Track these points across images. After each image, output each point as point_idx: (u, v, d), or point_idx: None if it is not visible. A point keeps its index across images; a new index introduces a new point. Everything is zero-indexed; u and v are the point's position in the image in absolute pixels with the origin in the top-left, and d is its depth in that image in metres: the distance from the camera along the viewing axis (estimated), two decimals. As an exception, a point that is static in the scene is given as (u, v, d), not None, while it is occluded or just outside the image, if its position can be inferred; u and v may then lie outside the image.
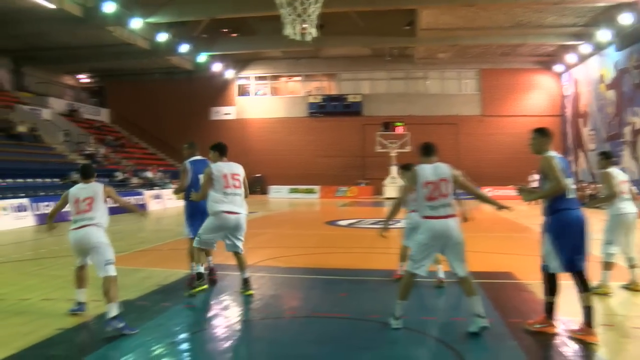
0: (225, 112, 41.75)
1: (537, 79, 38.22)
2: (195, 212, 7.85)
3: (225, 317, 6.57)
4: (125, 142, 37.39)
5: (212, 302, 7.31)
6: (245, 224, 7.47)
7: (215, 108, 41.79)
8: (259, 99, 41.74)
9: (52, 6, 24.29)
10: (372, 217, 21.04)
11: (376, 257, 11.27)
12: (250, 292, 7.45)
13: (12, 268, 9.77)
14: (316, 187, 37.74)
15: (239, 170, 7.47)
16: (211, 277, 8.20)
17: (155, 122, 40.40)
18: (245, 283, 7.50)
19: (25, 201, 18.16)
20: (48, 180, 22.89)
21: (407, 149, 34.09)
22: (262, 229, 17.13)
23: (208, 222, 7.34)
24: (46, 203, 19.10)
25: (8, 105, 30.75)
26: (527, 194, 6.05)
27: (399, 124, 35.54)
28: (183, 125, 39.44)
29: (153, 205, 25.42)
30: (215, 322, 6.37)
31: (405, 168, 7.71)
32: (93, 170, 6.83)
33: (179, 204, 8.61)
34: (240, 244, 7.46)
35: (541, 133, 5.69)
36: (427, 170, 5.78)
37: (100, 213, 6.40)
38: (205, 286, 7.67)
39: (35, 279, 8.78)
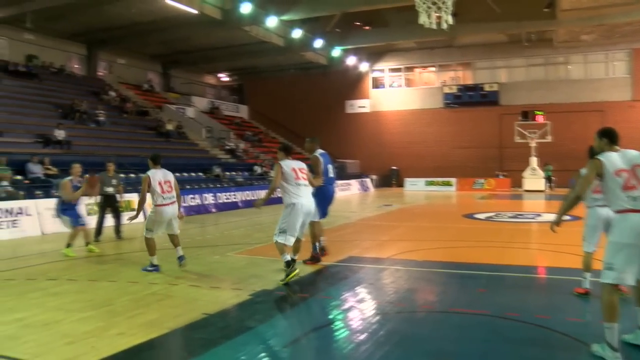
0: (360, 105, 41.99)
1: None
2: (326, 197, 9.45)
3: (361, 309, 6.56)
4: (263, 137, 38.78)
5: (348, 294, 7.34)
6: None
7: (350, 101, 42.16)
8: (394, 91, 41.50)
9: (194, 11, 25.77)
10: (511, 210, 20.27)
11: (515, 252, 10.82)
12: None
13: (162, 256, 10.41)
14: (453, 180, 36.89)
15: (304, 165, 8.30)
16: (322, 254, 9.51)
17: (292, 116, 41.53)
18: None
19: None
20: (193, 174, 24.27)
21: (548, 138, 32.43)
22: (397, 222, 17.04)
23: (285, 214, 7.99)
24: (192, 195, 20.25)
25: (158, 105, 33.15)
26: None
27: (539, 112, 33.67)
28: (318, 119, 40.29)
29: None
30: (350, 314, 6.38)
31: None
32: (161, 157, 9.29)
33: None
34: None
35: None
36: (615, 157, 4.74)
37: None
38: (296, 271, 7.87)
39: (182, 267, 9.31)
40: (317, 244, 9.39)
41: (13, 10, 24.91)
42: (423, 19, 8.12)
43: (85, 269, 9.34)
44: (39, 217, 14.37)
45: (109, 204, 13.26)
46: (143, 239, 9.18)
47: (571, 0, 26.82)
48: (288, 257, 7.84)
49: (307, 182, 8.12)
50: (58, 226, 14.26)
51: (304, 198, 8.01)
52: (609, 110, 34.40)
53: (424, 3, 7.94)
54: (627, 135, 33.24)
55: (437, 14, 7.86)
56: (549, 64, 37.79)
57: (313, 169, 9.06)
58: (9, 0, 24.06)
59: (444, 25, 8.02)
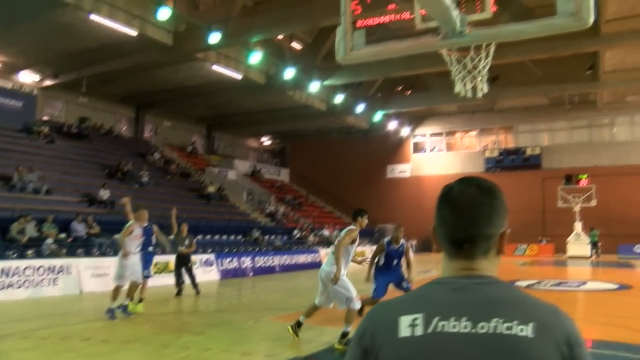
0: (401, 170, 41.97)
1: None
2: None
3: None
4: (303, 201, 38.89)
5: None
6: (327, 279, 7.88)
7: (391, 166, 42.20)
8: (435, 155, 41.46)
9: (239, 76, 26.51)
10: (555, 277, 19.64)
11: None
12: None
13: (198, 318, 10.39)
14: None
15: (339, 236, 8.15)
16: None
17: (332, 180, 41.67)
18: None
19: (211, 256, 19.48)
20: (232, 237, 24.40)
21: (593, 202, 31.56)
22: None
23: None
24: (229, 259, 20.28)
25: (201, 168, 33.80)
26: None
27: (582, 176, 32.99)
28: (359, 184, 40.33)
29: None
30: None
31: None
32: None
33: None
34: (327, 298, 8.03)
35: None
36: None
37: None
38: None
39: (218, 330, 9.25)
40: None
41: (72, 76, 26.39)
42: (459, 88, 8.15)
43: (120, 329, 9.33)
44: (79, 275, 14.59)
45: (183, 263, 14.12)
46: (203, 295, 9.23)
47: (613, 62, 26.63)
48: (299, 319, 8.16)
49: (330, 250, 8.33)
50: (97, 285, 14.47)
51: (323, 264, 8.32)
52: (658, 174, 33.54)
53: (459, 72, 7.98)
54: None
55: (473, 83, 7.89)
56: (593, 126, 37.24)
57: (406, 255, 9.68)
58: (69, 67, 25.42)
59: (480, 94, 8.03)
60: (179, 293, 13.88)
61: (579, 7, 4.42)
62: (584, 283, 17.87)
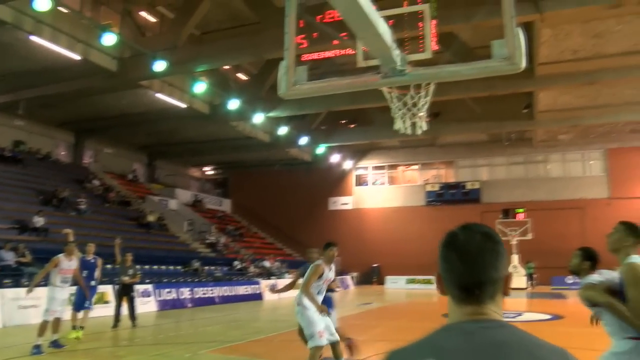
0: (343, 202, 42.29)
1: (678, 155, 35.34)
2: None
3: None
4: (244, 232, 38.57)
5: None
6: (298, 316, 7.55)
7: (333, 198, 42.47)
8: (377, 188, 41.99)
9: (183, 105, 26.36)
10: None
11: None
12: None
13: (134, 351, 10.08)
14: (434, 278, 36.49)
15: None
16: None
17: (275, 212, 41.56)
18: None
19: (149, 287, 19.02)
20: (171, 267, 23.91)
21: (529, 236, 32.63)
22: (376, 321, 16.75)
23: None
24: (168, 289, 19.84)
25: (141, 196, 33.16)
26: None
27: (519, 210, 34.14)
28: (301, 215, 40.35)
29: (269, 295, 25.67)
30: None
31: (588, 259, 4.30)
32: None
33: (294, 294, 8.72)
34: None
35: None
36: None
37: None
38: None
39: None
40: None
41: (8, 98, 25.18)
42: (398, 125, 8.36)
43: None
44: (2, 308, 13.82)
45: (126, 293, 14.04)
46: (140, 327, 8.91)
47: (547, 103, 27.96)
48: None
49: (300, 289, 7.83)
50: (23, 318, 13.81)
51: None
52: (588, 208, 35.00)
53: (399, 110, 8.20)
54: (605, 232, 33.46)
55: (412, 120, 8.11)
56: (528, 162, 38.75)
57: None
58: (6, 88, 24.44)
59: (419, 132, 8.27)
60: (115, 325, 13.60)
61: (513, 52, 4.60)
62: (520, 314, 18.27)
